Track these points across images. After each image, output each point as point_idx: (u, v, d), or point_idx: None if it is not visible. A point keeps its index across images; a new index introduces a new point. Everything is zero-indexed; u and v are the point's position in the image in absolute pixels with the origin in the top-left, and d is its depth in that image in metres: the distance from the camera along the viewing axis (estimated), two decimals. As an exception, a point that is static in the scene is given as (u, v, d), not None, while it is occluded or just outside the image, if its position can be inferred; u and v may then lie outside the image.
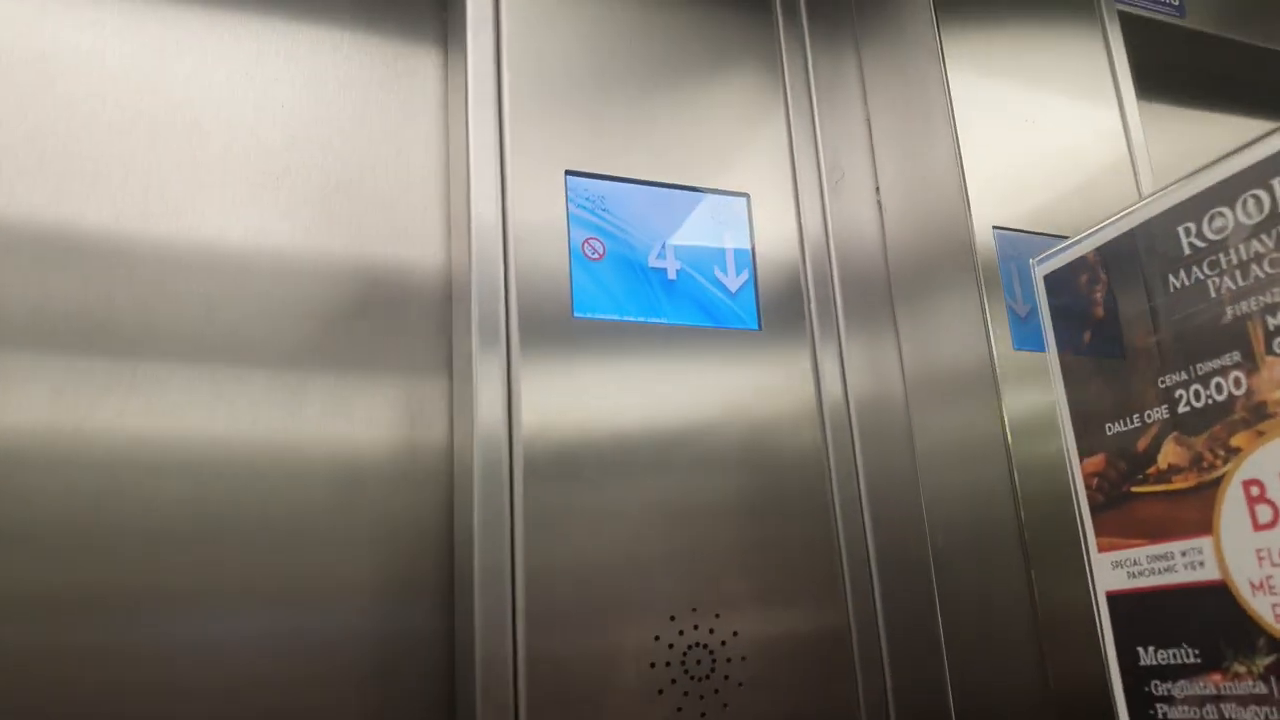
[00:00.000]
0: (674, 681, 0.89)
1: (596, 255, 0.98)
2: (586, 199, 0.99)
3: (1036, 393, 1.01)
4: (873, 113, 1.17)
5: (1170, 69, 1.46)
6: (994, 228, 1.10)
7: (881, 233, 1.13)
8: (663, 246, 1.01)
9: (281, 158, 0.99)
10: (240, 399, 0.92)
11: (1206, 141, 1.49)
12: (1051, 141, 1.18)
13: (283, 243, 0.97)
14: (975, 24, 1.17)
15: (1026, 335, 1.08)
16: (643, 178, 1.02)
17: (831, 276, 1.11)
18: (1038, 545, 0.97)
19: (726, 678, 0.90)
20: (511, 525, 0.91)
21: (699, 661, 0.90)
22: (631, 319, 0.97)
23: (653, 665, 0.88)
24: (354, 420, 0.96)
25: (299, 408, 0.95)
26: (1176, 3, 1.40)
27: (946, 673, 1.04)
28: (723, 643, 0.91)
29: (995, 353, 1.00)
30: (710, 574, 0.94)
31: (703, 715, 0.89)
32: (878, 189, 1.12)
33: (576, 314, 0.95)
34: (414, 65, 1.07)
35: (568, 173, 0.99)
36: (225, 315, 0.93)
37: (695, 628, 0.91)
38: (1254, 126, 1.55)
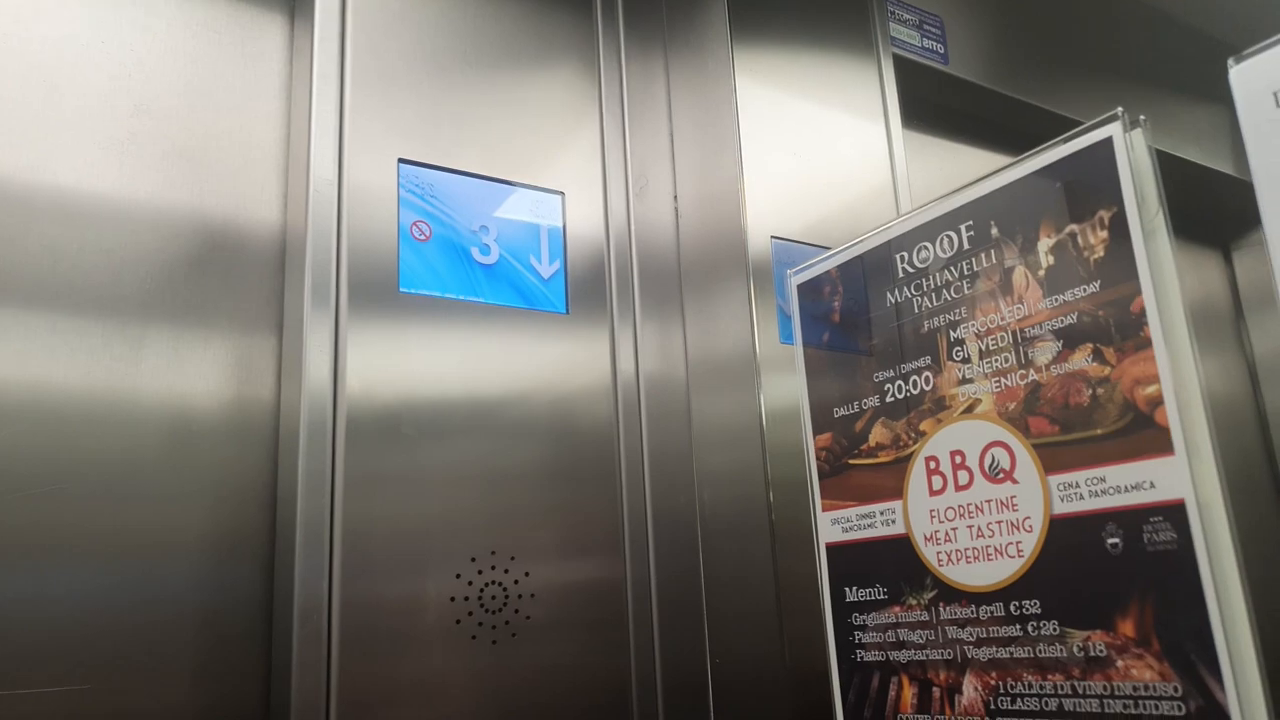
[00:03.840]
0: (470, 614, 1.02)
1: (423, 237, 1.08)
2: (416, 185, 1.10)
3: (793, 384, 1.19)
4: (675, 126, 1.33)
5: (935, 107, 1.70)
6: (772, 237, 1.29)
7: (676, 236, 1.29)
8: (485, 233, 1.13)
9: (129, 123, 1.03)
10: (79, 348, 0.96)
11: (961, 171, 1.74)
12: (829, 164, 1.38)
13: (128, 201, 1.02)
14: (768, 50, 1.34)
15: (791, 332, 1.27)
16: (470, 170, 1.14)
17: (631, 271, 1.26)
18: (784, 523, 1.15)
19: (517, 611, 1.05)
20: (332, 484, 0.99)
21: (494, 597, 1.03)
22: (453, 296, 1.09)
23: (452, 599, 1.01)
24: (187, 375, 1.01)
25: (135, 360, 0.99)
26: (941, 51, 1.64)
27: (705, 628, 1.20)
28: (515, 581, 1.05)
29: (758, 349, 1.17)
30: (509, 525, 1.07)
31: (494, 643, 1.02)
32: (675, 197, 1.28)
33: (402, 289, 1.06)
34: (262, 47, 1.14)
35: (401, 160, 1.10)
36: (69, 265, 0.97)
37: (492, 568, 1.04)
38: (1003, 162, 1.81)
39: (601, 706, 1.08)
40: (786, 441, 1.16)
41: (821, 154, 1.37)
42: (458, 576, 1.02)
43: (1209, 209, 2.22)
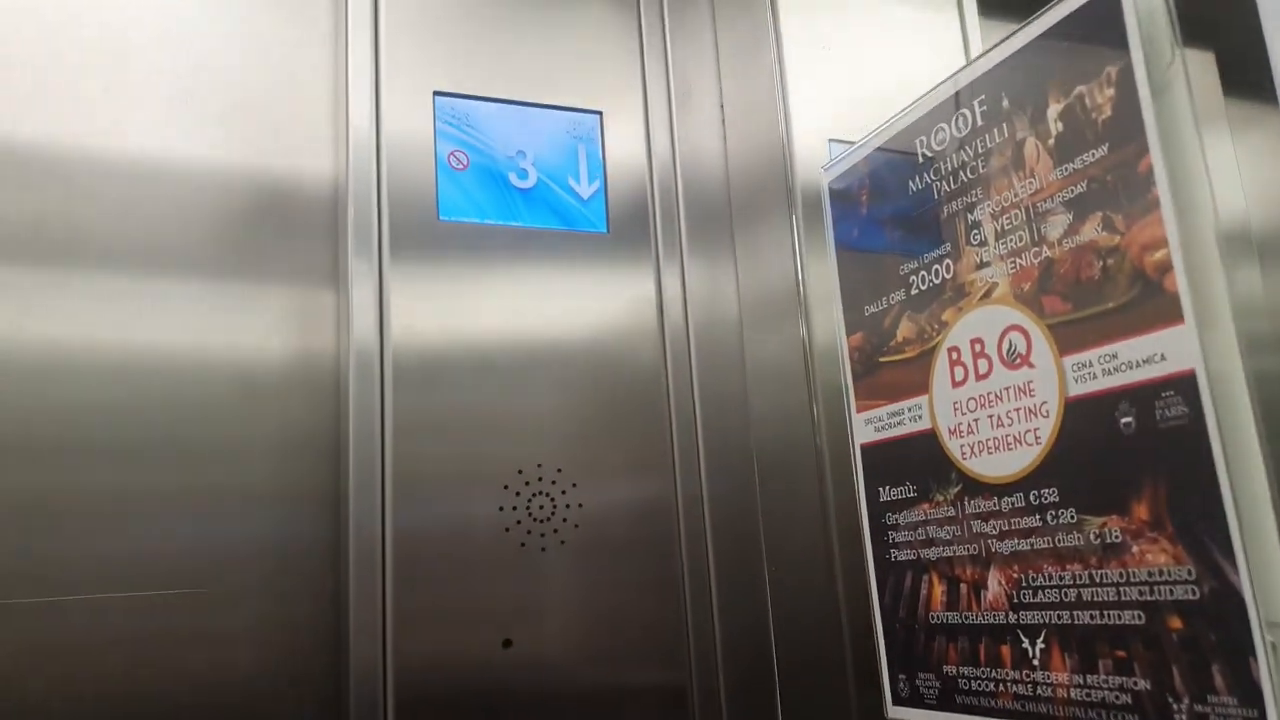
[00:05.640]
0: (519, 523, 1.06)
1: (461, 166, 1.12)
2: (452, 115, 1.13)
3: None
4: (720, 32, 1.29)
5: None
6: (830, 140, 1.24)
7: (724, 150, 1.27)
8: (522, 158, 1.15)
9: (188, 80, 1.09)
10: (154, 305, 1.02)
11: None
12: (896, 57, 1.31)
13: (191, 157, 1.07)
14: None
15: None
16: (504, 96, 1.16)
17: (676, 190, 1.24)
18: (833, 456, 1.09)
19: (565, 520, 1.08)
20: (382, 426, 1.04)
21: (541, 506, 1.08)
22: (492, 222, 1.12)
23: (500, 509, 1.06)
24: (252, 329, 1.05)
25: (205, 313, 1.04)
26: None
27: (762, 544, 1.20)
28: (563, 492, 1.09)
29: (803, 277, 1.13)
30: (555, 443, 1.10)
31: (543, 550, 1.07)
32: (722, 107, 1.26)
33: (442, 218, 1.10)
34: (307, -1, 1.19)
35: (436, 93, 1.13)
36: (139, 223, 1.03)
37: (539, 479, 1.08)
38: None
39: (655, 614, 1.11)
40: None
41: (887, 50, 1.30)
42: (505, 488, 1.07)
43: None
